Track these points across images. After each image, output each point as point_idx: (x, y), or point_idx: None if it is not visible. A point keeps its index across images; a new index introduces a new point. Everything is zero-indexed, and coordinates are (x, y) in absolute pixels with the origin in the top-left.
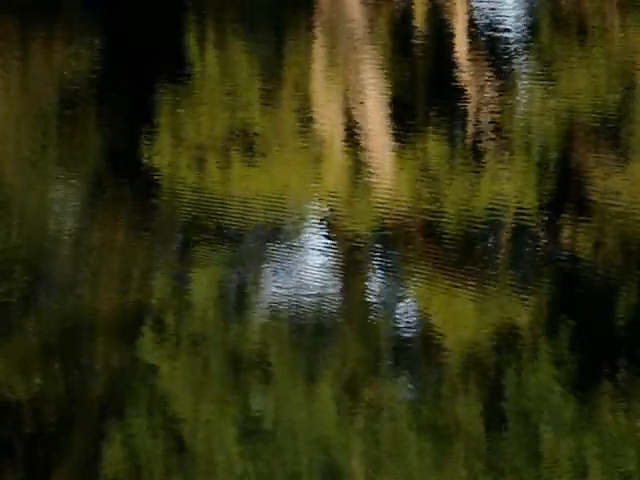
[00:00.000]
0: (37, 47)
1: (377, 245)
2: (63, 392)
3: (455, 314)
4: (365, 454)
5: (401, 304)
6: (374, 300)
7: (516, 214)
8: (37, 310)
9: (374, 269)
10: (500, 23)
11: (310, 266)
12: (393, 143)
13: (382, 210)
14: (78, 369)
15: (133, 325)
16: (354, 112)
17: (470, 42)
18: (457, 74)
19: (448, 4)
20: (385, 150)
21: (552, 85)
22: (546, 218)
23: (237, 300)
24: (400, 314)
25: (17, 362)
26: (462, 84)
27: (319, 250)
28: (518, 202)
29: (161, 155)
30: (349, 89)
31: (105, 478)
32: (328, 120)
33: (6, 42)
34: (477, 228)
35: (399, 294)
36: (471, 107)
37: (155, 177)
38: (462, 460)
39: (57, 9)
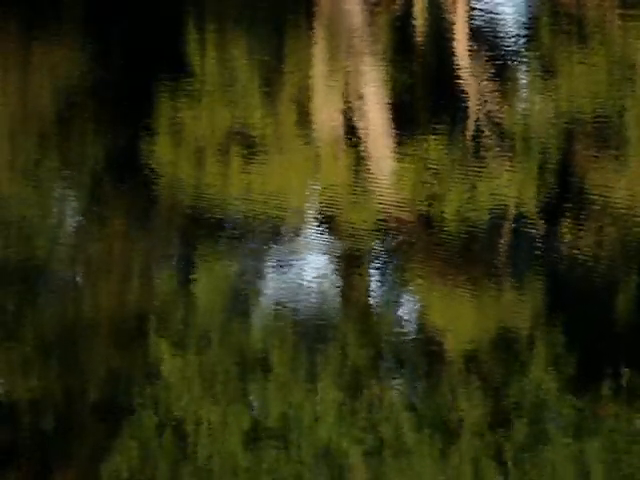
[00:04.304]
0: (37, 47)
1: (377, 244)
2: (67, 393)
3: (455, 313)
4: (367, 454)
5: (401, 303)
6: (374, 299)
7: (516, 214)
8: (40, 311)
9: (374, 268)
10: (500, 23)
11: (310, 265)
12: (393, 143)
13: (382, 210)
14: (81, 370)
15: (137, 326)
16: (354, 112)
17: (470, 42)
18: (457, 74)
19: (448, 4)
20: (385, 150)
21: (552, 85)
22: (546, 218)
23: (238, 299)
24: (400, 313)
25: (18, 364)
26: (462, 84)
27: (319, 249)
28: (518, 202)
29: (161, 155)
30: (349, 89)
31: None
32: (328, 120)
33: (5, 40)
34: (477, 228)
35: (399, 293)
36: (471, 107)
37: (155, 177)
38: (462, 460)
39: (57, 9)
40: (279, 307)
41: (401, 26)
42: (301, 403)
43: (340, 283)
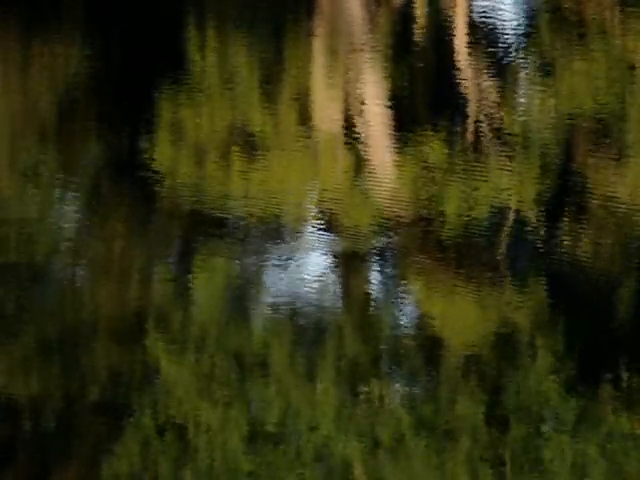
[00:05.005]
0: (37, 47)
1: (377, 243)
2: (66, 394)
3: (455, 313)
4: (366, 454)
5: (401, 303)
6: (374, 298)
7: (516, 213)
8: (39, 311)
9: (374, 267)
10: (500, 23)
11: (310, 264)
12: (393, 142)
13: (381, 209)
14: (81, 372)
15: (137, 326)
16: (354, 111)
17: (470, 42)
18: (457, 74)
19: (448, 4)
20: (385, 149)
21: (552, 85)
22: (546, 217)
23: (238, 298)
24: (400, 313)
25: (18, 364)
26: (462, 83)
27: (319, 248)
28: (518, 202)
29: (161, 154)
30: (349, 88)
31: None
32: (328, 119)
33: (5, 40)
34: (477, 227)
35: (399, 293)
36: (471, 107)
37: (155, 176)
38: (462, 460)
39: (57, 9)
40: (279, 307)
41: (401, 25)
42: (300, 403)
43: (340, 282)
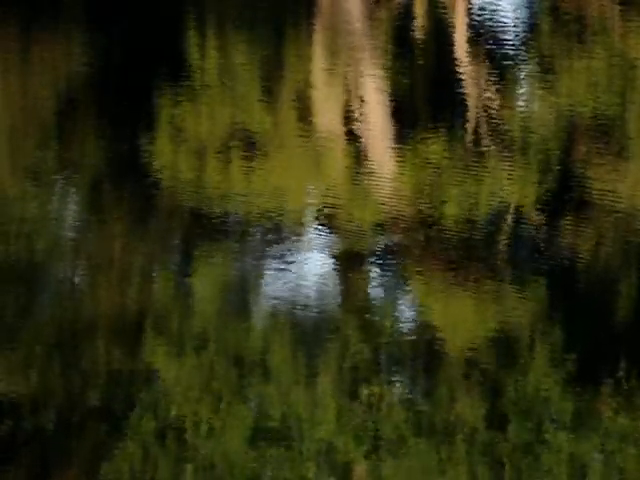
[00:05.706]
0: (37, 47)
1: (377, 243)
2: (66, 395)
3: (455, 313)
4: (367, 454)
5: (401, 302)
6: (374, 298)
7: (516, 213)
8: (39, 314)
9: (374, 267)
10: (500, 23)
11: (310, 264)
12: (393, 142)
13: (382, 209)
14: (80, 373)
15: (135, 328)
16: (354, 111)
17: (470, 42)
18: (457, 74)
19: (448, 3)
20: (385, 149)
21: (552, 85)
22: (546, 217)
23: (239, 298)
24: (400, 312)
25: (17, 365)
26: (462, 83)
27: (319, 248)
28: (518, 202)
29: (161, 154)
30: (349, 88)
31: None
32: (328, 119)
33: (5, 40)
34: (477, 227)
35: (399, 292)
36: (471, 106)
37: (155, 176)
38: (462, 460)
39: (57, 9)
40: (279, 306)
41: (401, 25)
42: (301, 404)
43: (340, 282)
